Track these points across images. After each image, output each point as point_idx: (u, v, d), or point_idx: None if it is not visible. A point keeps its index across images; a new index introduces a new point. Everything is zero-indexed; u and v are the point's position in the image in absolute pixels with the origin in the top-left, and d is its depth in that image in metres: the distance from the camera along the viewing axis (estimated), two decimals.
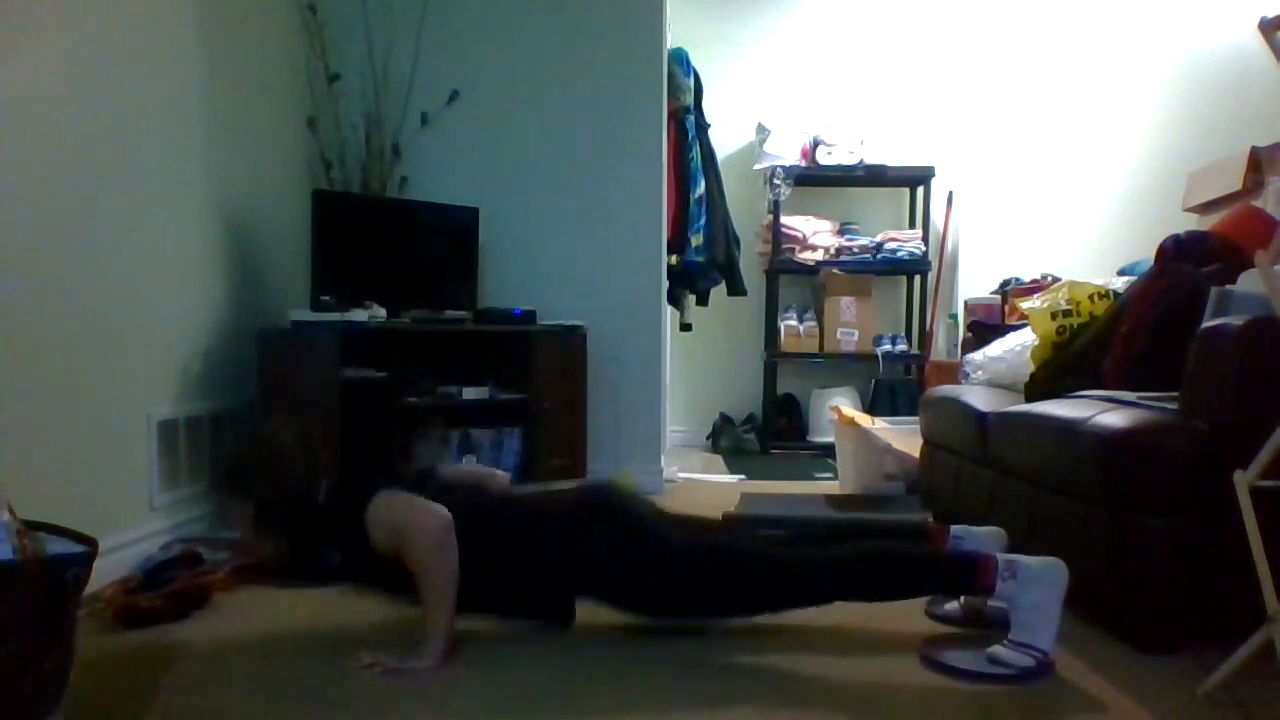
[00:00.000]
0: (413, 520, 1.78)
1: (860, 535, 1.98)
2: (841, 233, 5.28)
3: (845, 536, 1.94)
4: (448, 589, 1.78)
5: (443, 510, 1.79)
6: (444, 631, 1.78)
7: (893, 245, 5.17)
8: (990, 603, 1.92)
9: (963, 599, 2.04)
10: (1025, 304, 2.90)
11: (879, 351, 5.13)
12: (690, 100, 4.41)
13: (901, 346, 5.21)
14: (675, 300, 4.51)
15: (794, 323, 5.23)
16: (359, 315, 3.02)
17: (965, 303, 4.73)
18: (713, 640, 1.92)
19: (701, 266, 4.46)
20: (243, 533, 1.95)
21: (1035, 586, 1.73)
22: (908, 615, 2.05)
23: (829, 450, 4.36)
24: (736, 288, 4.68)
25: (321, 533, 1.89)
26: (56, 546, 1.44)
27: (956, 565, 1.86)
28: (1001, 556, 1.78)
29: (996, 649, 1.74)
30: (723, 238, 4.54)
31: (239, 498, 1.91)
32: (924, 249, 5.18)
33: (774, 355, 5.21)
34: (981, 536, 2.03)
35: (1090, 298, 2.73)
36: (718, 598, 1.88)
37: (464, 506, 1.86)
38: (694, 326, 4.72)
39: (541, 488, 2.14)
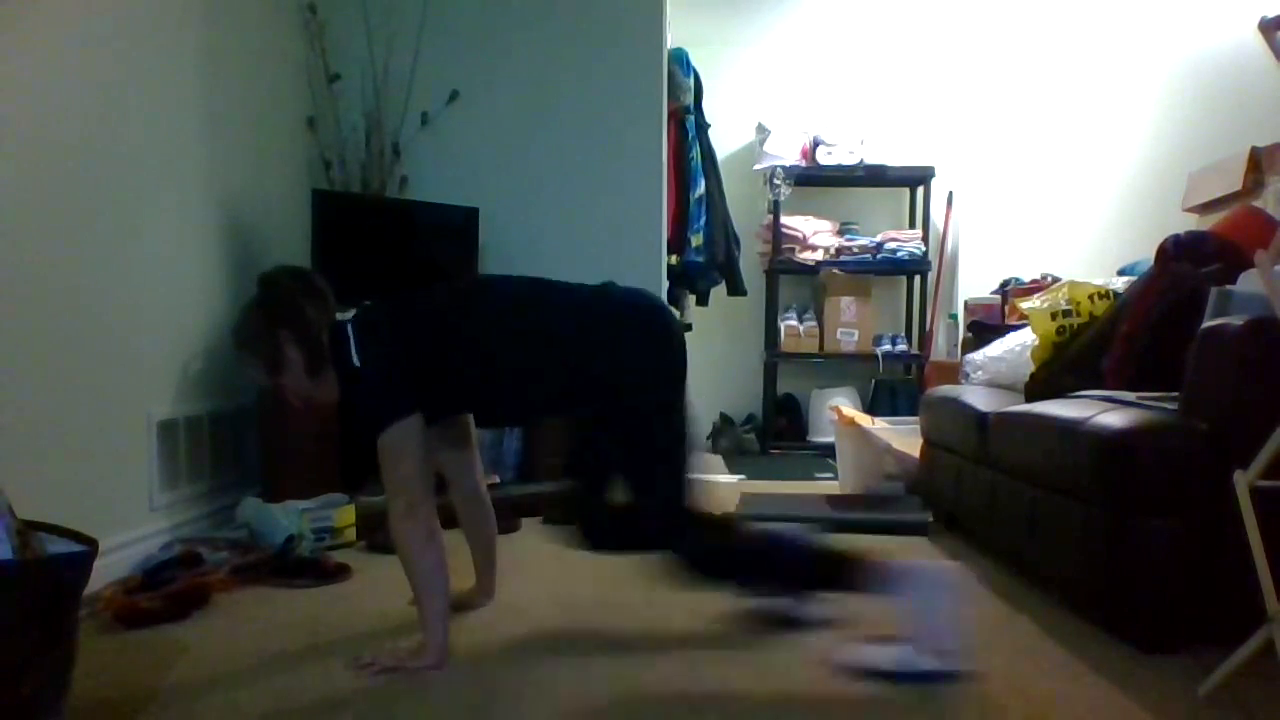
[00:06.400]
0: (398, 495, 1.75)
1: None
2: (841, 233, 5.28)
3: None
4: (427, 577, 1.76)
5: (429, 511, 1.76)
6: (439, 627, 1.77)
7: (893, 245, 5.17)
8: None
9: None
10: (1025, 304, 2.90)
11: (879, 351, 5.13)
12: (690, 100, 4.41)
13: (901, 346, 5.21)
14: (675, 300, 4.51)
15: (794, 323, 5.23)
16: None
17: (965, 303, 4.73)
18: (713, 663, 1.93)
19: (701, 266, 4.45)
20: (295, 389, 1.85)
21: None
22: None
23: (829, 450, 4.36)
24: (736, 288, 4.68)
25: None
26: (56, 546, 1.44)
27: None
28: None
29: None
30: (723, 238, 4.54)
31: (287, 341, 1.79)
32: (924, 249, 5.18)
33: (774, 355, 5.21)
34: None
35: (1090, 298, 2.73)
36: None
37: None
38: (694, 326, 4.71)
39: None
